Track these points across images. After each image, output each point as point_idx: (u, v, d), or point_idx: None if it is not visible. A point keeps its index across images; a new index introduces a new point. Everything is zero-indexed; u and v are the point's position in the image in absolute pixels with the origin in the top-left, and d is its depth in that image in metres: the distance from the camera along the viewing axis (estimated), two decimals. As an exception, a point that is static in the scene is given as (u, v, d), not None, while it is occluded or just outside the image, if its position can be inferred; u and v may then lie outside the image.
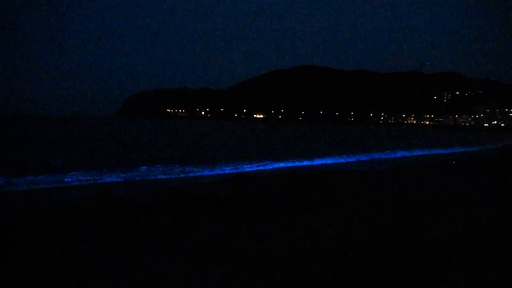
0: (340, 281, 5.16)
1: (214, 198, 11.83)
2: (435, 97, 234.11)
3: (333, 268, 5.61)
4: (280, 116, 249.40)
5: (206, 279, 5.30)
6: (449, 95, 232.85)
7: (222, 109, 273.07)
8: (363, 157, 33.46)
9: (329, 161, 30.03)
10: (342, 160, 30.89)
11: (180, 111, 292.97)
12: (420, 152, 39.82)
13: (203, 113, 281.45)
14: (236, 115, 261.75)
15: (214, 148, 40.34)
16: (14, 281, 5.41)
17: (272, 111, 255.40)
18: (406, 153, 38.30)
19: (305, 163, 27.97)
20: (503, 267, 5.57)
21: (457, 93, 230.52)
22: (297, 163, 27.33)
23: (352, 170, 23.27)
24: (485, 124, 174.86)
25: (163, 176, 20.40)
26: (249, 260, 5.98)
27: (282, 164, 26.91)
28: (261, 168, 24.82)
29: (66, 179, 18.14)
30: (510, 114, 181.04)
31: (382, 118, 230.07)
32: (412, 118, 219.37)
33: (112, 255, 6.43)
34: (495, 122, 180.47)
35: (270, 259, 6.00)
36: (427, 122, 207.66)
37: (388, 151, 39.52)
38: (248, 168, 24.54)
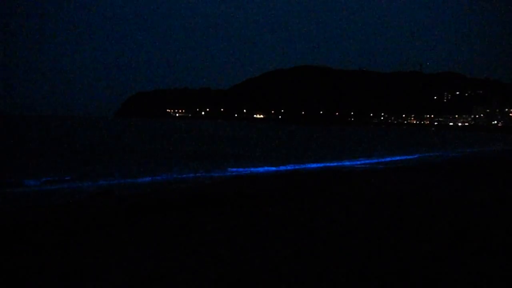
0: (339, 281, 5.16)
1: (214, 198, 11.82)
2: (435, 97, 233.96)
3: (333, 268, 5.61)
4: (280, 116, 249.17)
5: (206, 279, 5.30)
6: (449, 95, 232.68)
7: (222, 109, 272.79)
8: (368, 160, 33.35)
9: (333, 163, 29.91)
10: (347, 163, 30.79)
11: (180, 111, 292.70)
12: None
13: (203, 113, 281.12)
14: (236, 115, 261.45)
15: (214, 149, 40.31)
16: (14, 281, 5.41)
17: (272, 111, 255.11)
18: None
19: (309, 165, 27.85)
20: (503, 267, 5.57)
21: (457, 93, 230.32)
22: (300, 165, 27.22)
23: (352, 170, 23.25)
24: (492, 123, 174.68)
25: (163, 177, 20.36)
26: (249, 260, 5.98)
27: (287, 167, 26.82)
28: (262, 169, 24.76)
29: (66, 179, 18.12)
30: (510, 114, 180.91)
31: (382, 118, 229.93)
32: (412, 118, 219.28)
33: (112, 255, 6.43)
34: (495, 122, 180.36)
35: (270, 259, 6.00)
36: (427, 122, 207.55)
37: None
38: (249, 169, 24.49)
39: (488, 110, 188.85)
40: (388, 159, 33.07)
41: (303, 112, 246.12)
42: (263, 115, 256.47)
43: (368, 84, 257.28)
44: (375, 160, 31.56)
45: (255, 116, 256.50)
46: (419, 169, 21.07)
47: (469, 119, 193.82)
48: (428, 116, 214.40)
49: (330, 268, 5.59)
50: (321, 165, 27.42)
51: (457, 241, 6.80)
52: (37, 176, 18.42)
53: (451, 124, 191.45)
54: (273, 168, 24.88)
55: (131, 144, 43.43)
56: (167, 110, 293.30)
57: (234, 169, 23.67)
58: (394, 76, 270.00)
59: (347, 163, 29.22)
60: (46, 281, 5.37)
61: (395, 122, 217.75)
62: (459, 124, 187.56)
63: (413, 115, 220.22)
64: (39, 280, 5.39)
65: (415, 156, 35.79)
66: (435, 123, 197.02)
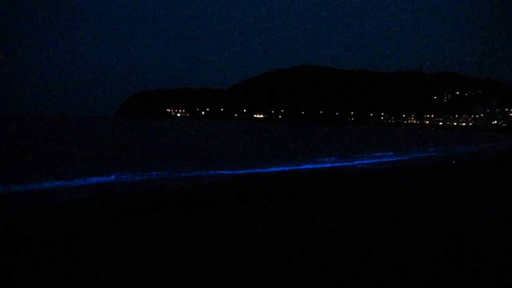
0: (339, 281, 5.16)
1: (214, 198, 11.82)
2: (435, 97, 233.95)
3: (333, 267, 5.61)
4: (280, 116, 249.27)
5: (206, 279, 5.30)
6: (449, 95, 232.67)
7: (222, 109, 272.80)
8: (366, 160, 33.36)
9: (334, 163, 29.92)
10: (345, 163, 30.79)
11: (180, 111, 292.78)
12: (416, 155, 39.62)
13: (203, 113, 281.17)
14: (236, 115, 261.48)
15: (214, 149, 40.33)
16: (14, 281, 5.41)
17: (272, 111, 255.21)
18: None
19: (309, 165, 27.81)
20: (502, 267, 5.57)
21: (457, 93, 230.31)
22: (300, 166, 27.19)
23: (353, 170, 23.26)
24: (492, 123, 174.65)
25: (163, 176, 20.37)
26: (249, 260, 5.98)
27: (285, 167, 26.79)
28: (262, 169, 24.75)
29: (66, 180, 18.10)
30: (510, 114, 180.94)
31: (382, 118, 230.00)
32: (412, 118, 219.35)
33: (112, 255, 6.43)
34: (495, 122, 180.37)
35: (270, 259, 6.00)
36: (427, 122, 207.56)
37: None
38: (249, 169, 24.47)
39: (488, 110, 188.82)
40: (388, 159, 33.08)
41: (303, 112, 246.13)
42: (263, 115, 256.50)
43: (368, 84, 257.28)
44: (375, 160, 31.56)
45: (255, 116, 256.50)
46: (418, 169, 21.05)
47: (469, 119, 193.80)
48: (428, 116, 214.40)
49: (330, 268, 5.59)
50: (321, 165, 27.42)
51: (457, 241, 6.80)
52: (37, 176, 18.41)
53: (454, 123, 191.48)
54: (273, 168, 24.87)
55: (131, 144, 43.41)
56: (167, 110, 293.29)
57: (234, 169, 23.67)
58: (394, 76, 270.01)
59: (347, 163, 29.21)
60: (46, 281, 5.37)
61: (395, 122, 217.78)
62: (463, 124, 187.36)
63: (413, 115, 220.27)
64: (38, 280, 5.39)
65: (415, 156, 35.79)
66: (440, 123, 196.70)
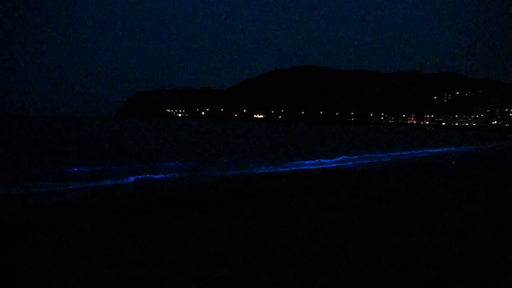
0: (339, 282, 5.16)
1: (214, 198, 11.82)
2: (435, 97, 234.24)
3: (333, 268, 5.61)
4: (280, 116, 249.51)
5: (206, 280, 5.29)
6: (449, 95, 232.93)
7: (222, 109, 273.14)
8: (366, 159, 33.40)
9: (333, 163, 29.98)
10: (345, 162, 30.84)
11: (180, 111, 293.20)
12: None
13: (203, 113, 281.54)
14: (236, 115, 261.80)
15: (214, 149, 40.33)
16: (14, 281, 5.41)
17: (272, 111, 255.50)
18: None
19: (309, 166, 27.86)
20: (502, 267, 5.57)
21: (457, 93, 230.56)
22: (300, 166, 27.21)
23: (353, 169, 23.26)
24: (492, 123, 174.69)
25: (163, 176, 20.38)
26: (249, 260, 5.98)
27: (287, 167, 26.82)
28: (262, 169, 24.76)
29: (67, 180, 18.10)
30: (510, 114, 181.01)
31: (382, 118, 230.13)
32: (412, 118, 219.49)
33: (112, 255, 6.43)
34: (495, 122, 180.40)
35: (270, 259, 6.00)
36: (427, 122, 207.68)
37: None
38: (249, 169, 24.49)
39: (488, 110, 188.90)
40: (388, 159, 33.08)
41: (303, 112, 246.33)
42: (263, 115, 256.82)
43: (368, 84, 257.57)
44: (375, 160, 31.59)
45: (255, 116, 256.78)
46: (419, 169, 21.06)
47: (469, 119, 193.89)
48: (428, 116, 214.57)
49: (331, 268, 5.59)
50: (322, 165, 27.42)
51: (457, 241, 6.80)
52: (36, 176, 18.41)
53: (455, 124, 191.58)
54: (273, 168, 24.88)
55: (130, 144, 43.41)
56: (167, 110, 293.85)
57: (234, 169, 23.67)
58: (394, 76, 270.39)
59: (347, 163, 29.25)
60: (46, 281, 5.37)
61: (395, 122, 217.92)
62: (464, 124, 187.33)
63: (413, 115, 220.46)
64: (38, 280, 5.39)
65: (415, 156, 35.82)
66: (443, 124, 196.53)
